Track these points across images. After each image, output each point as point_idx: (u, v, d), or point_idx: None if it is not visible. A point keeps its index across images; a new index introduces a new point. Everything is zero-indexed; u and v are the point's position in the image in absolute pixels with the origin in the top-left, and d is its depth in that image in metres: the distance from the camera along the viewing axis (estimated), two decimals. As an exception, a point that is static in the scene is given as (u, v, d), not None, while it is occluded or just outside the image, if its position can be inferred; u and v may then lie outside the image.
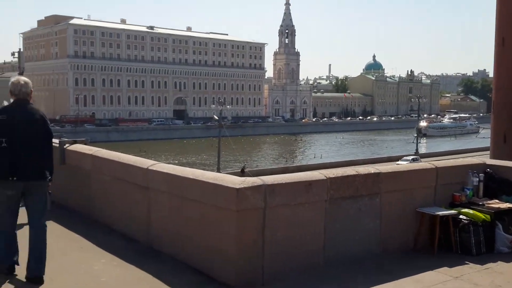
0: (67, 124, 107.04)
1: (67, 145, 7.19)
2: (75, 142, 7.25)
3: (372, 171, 5.31)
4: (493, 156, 37.97)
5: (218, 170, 57.03)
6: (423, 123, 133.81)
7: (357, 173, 5.19)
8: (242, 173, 58.90)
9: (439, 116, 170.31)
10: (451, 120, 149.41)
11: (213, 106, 69.60)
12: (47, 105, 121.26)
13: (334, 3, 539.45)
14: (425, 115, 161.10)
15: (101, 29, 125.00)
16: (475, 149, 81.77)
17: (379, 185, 5.33)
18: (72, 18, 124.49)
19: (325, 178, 4.93)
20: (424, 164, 6.01)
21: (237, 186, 4.40)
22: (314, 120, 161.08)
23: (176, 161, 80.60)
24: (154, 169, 5.48)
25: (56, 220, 6.63)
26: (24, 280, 4.55)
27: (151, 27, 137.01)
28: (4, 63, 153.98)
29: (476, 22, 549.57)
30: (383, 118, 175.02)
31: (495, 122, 42.50)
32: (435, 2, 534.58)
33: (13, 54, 61.39)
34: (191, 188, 4.90)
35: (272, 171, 62.61)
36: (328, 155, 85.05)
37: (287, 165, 72.88)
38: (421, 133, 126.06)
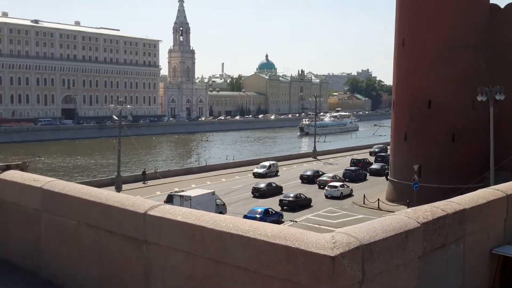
0: None
1: (-4, 172, 5.13)
2: (8, 167, 5.19)
3: (458, 208, 4.03)
4: (394, 153, 38.98)
5: (119, 174, 53.75)
6: (305, 122, 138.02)
7: (445, 212, 3.87)
8: (143, 176, 56.24)
9: (320, 114, 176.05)
10: (332, 119, 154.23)
11: (112, 105, 65.66)
12: None
13: (227, 1, 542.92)
14: (310, 114, 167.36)
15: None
16: (362, 146, 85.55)
17: (464, 226, 4.07)
18: None
19: (419, 225, 3.55)
20: (492, 191, 4.82)
21: (332, 253, 2.87)
22: (211, 118, 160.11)
23: (70, 164, 75.37)
24: (159, 215, 3.74)
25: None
26: None
27: (36, 21, 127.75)
28: None
29: (362, 25, 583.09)
30: (282, 116, 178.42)
31: (395, 121, 43.79)
32: (323, 4, 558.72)
33: None
34: (235, 248, 3.27)
35: (176, 173, 60.58)
36: (231, 153, 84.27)
37: (191, 165, 70.95)
38: (304, 131, 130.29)
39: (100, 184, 43.59)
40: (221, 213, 38.73)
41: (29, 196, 4.80)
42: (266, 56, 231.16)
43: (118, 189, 48.50)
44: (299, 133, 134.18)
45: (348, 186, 48.63)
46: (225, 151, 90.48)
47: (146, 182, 54.65)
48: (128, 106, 67.19)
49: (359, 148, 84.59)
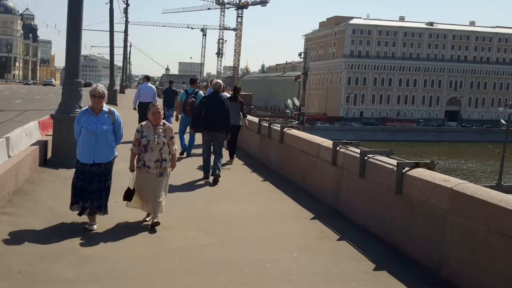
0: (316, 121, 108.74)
1: (406, 168, 5.35)
2: (417, 165, 5.36)
3: None
4: None
5: (499, 182, 50.20)
6: None
7: None
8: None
9: None
10: None
11: (501, 108, 61.82)
12: (320, 103, 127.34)
13: None
14: None
15: (378, 28, 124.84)
16: None
17: None
18: (351, 18, 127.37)
19: None
20: None
21: None
22: None
23: (451, 167, 74.92)
24: None
25: (393, 272, 4.87)
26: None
27: (431, 23, 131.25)
28: (286, 63, 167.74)
29: None
30: None
31: None
32: None
33: (300, 54, 65.60)
34: None
35: None
36: None
37: None
38: None
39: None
40: None
41: (437, 195, 4.81)
42: None
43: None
44: None
45: None
46: None
47: (532, 194, 49.30)
48: (520, 109, 61.82)
49: None
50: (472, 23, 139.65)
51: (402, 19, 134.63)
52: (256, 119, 13.02)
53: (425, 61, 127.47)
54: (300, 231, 6.42)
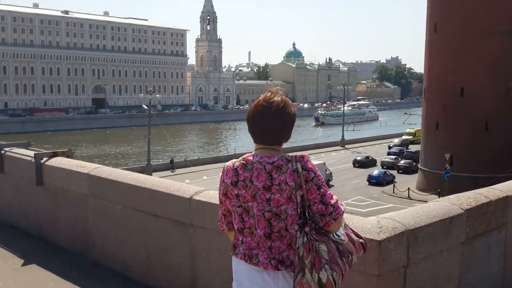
0: None
1: (45, 159, 5.33)
2: (55, 154, 5.39)
3: (501, 195, 4.03)
4: (425, 142, 37.90)
5: (149, 162, 54.42)
6: (320, 111, 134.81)
7: (488, 199, 3.88)
8: (171, 164, 56.96)
9: (335, 103, 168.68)
10: (349, 108, 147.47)
11: (141, 95, 66.28)
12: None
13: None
14: (325, 104, 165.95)
15: (13, 14, 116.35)
16: (391, 135, 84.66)
17: (507, 213, 4.07)
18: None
19: (463, 211, 3.57)
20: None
21: (378, 237, 2.93)
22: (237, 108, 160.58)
23: (102, 153, 76.76)
24: (204, 200, 3.85)
25: (42, 264, 4.84)
26: None
27: (66, 12, 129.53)
28: None
29: (391, 10, 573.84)
30: (316, 105, 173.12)
31: (427, 109, 42.34)
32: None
33: None
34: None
35: (204, 161, 61.15)
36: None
37: (219, 154, 71.43)
38: (319, 121, 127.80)
39: (131, 172, 44.36)
40: (328, 180, 45.21)
41: (77, 181, 4.98)
42: (293, 44, 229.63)
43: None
44: (314, 123, 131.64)
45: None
46: (251, 140, 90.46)
47: (174, 170, 55.17)
48: (157, 95, 67.75)
49: (387, 137, 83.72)
50: (106, 13, 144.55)
51: (36, 5, 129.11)
52: None
53: (66, 49, 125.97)
54: None
